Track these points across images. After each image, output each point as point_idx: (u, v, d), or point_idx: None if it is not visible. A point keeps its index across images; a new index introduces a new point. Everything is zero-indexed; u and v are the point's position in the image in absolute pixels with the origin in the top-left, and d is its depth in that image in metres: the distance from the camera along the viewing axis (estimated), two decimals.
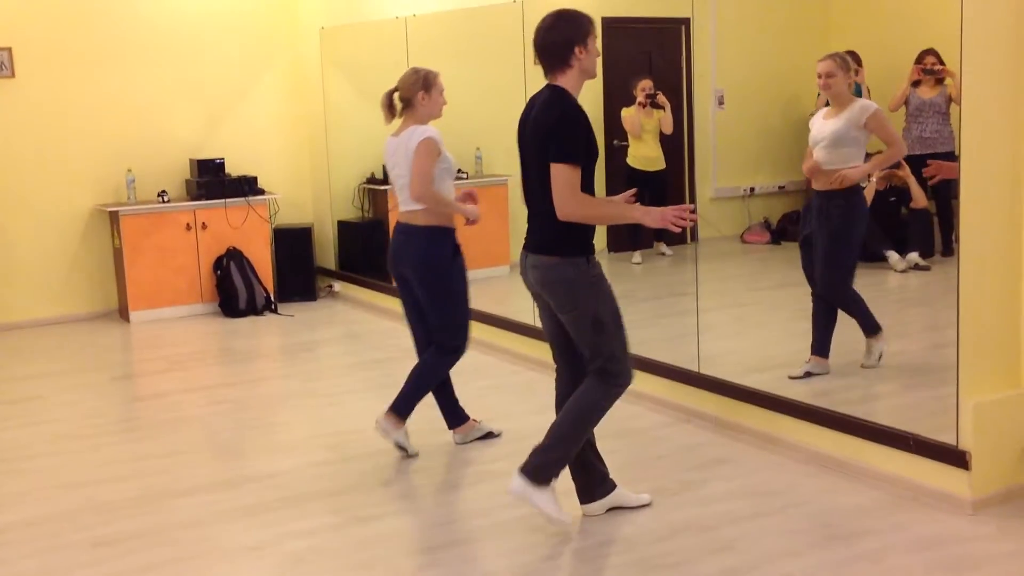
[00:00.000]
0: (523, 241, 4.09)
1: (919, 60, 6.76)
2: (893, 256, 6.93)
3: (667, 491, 4.51)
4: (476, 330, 7.20)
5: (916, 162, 5.71)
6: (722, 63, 8.81)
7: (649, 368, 5.75)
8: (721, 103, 8.67)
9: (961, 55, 4.08)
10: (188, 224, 8.46)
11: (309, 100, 9.20)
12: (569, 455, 4.08)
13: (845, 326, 5.59)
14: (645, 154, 8.53)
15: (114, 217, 8.33)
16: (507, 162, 8.63)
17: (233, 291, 8.42)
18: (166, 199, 8.43)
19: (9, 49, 8.11)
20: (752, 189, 8.63)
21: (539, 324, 6.61)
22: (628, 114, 8.55)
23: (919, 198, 6.77)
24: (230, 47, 8.83)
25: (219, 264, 8.54)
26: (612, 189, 8.84)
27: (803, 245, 5.71)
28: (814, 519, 4.19)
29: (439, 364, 5.07)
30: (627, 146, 8.71)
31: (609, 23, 8.74)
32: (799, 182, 8.84)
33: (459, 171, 8.73)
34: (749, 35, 8.86)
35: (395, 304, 8.25)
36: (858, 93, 6.83)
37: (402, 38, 8.11)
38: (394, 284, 5.19)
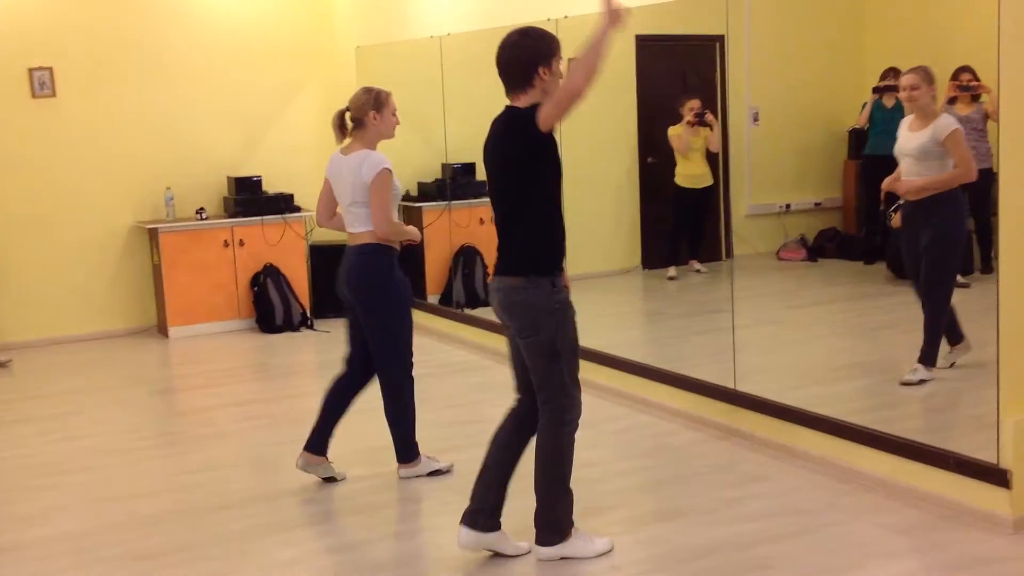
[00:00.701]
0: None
1: (955, 77, 6.71)
2: None
3: (703, 509, 4.49)
4: (500, 343, 7.24)
5: None
6: (757, 80, 8.79)
7: (685, 385, 5.74)
8: (756, 120, 8.64)
9: (998, 71, 4.06)
10: (225, 241, 8.54)
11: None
12: (565, 500, 4.00)
13: (887, 345, 5.54)
14: (692, 172, 8.55)
15: (153, 234, 8.43)
16: None
17: (270, 307, 8.48)
18: (204, 216, 8.52)
19: (50, 68, 8.24)
20: (788, 206, 8.60)
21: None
22: (676, 133, 8.57)
23: None
24: (267, 66, 8.93)
25: (256, 280, 8.62)
26: (654, 206, 8.86)
27: (909, 258, 5.69)
28: (852, 538, 4.16)
29: (396, 390, 4.92)
30: (656, 163, 8.72)
31: (643, 41, 8.75)
32: (835, 199, 8.81)
33: None
34: (784, 52, 8.84)
35: (428, 320, 8.31)
36: (901, 109, 6.81)
37: (436, 57, 8.17)
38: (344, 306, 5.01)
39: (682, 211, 8.60)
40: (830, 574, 3.85)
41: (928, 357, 5.44)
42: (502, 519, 4.05)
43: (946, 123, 5.38)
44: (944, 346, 5.49)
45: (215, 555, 4.25)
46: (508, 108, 3.89)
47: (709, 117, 8.23)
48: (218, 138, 8.86)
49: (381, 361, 4.89)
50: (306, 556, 4.21)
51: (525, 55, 3.80)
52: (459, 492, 4.85)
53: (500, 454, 4.05)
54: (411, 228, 5.03)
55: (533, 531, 4.05)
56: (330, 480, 4.96)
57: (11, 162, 8.21)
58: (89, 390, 7.01)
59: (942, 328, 5.48)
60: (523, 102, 3.82)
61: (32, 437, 5.97)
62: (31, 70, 8.19)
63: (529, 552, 4.08)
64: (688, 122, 8.41)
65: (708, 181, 8.49)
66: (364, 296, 4.82)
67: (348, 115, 4.84)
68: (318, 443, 4.94)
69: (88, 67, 8.38)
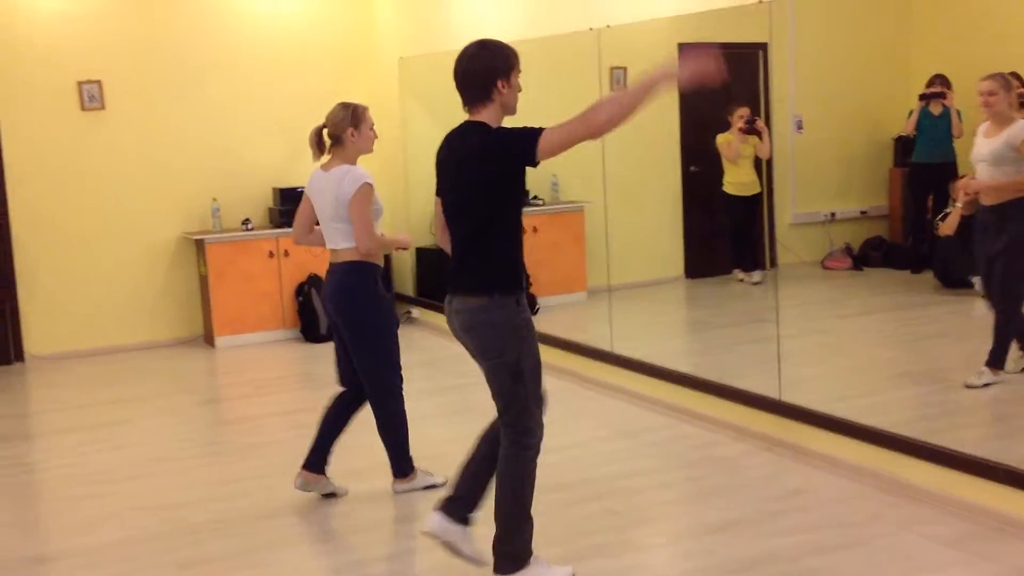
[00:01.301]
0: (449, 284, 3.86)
1: None
2: (979, 283, 6.79)
3: (749, 520, 4.46)
4: (552, 356, 7.24)
5: None
6: (801, 88, 8.74)
7: (730, 395, 5.70)
8: (800, 128, 8.60)
9: None
10: (271, 251, 8.61)
11: (388, 129, 9.30)
12: (527, 529, 3.85)
13: (935, 355, 5.48)
14: (741, 180, 8.54)
15: (200, 245, 8.53)
16: (583, 189, 8.66)
17: (314, 317, 8.54)
18: (250, 227, 8.60)
19: (99, 82, 8.37)
20: (833, 214, 8.54)
21: (615, 350, 6.66)
22: (726, 140, 8.57)
23: None
24: (312, 77, 8.99)
25: (300, 290, 8.68)
26: (697, 215, 8.83)
27: (982, 262, 5.66)
28: (900, 550, 4.11)
29: (386, 409, 4.85)
30: (699, 172, 8.70)
31: (685, 49, 8.73)
32: (881, 207, 8.73)
33: (535, 198, 8.86)
34: (828, 59, 8.78)
35: None
36: (948, 117, 6.74)
37: None
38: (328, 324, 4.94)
39: (731, 219, 8.57)
40: None
41: (996, 360, 5.41)
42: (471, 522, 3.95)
43: (1021, 127, 5.35)
44: (1014, 351, 5.45)
45: (261, 563, 4.28)
46: (469, 122, 3.76)
47: (759, 124, 8.21)
48: (263, 150, 8.93)
49: (368, 379, 4.81)
50: (352, 565, 4.23)
51: (483, 68, 3.71)
52: None
53: (488, 447, 3.95)
54: (398, 237, 4.99)
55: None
56: (330, 496, 4.91)
57: (61, 174, 8.33)
58: (137, 399, 7.10)
59: (1012, 332, 5.44)
60: (484, 116, 3.72)
61: (81, 446, 6.05)
62: (80, 83, 8.32)
63: (482, 564, 3.95)
64: (739, 129, 8.40)
65: (756, 189, 8.47)
66: (348, 315, 4.74)
67: (326, 132, 4.79)
68: (317, 461, 4.90)
69: (136, 80, 8.50)
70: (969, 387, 5.43)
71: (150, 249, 8.66)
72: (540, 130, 3.58)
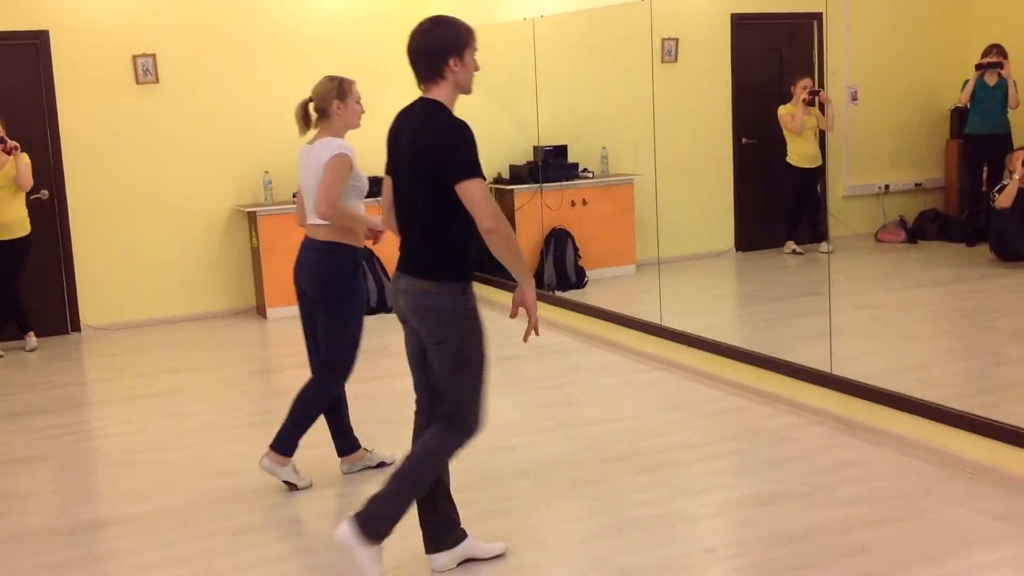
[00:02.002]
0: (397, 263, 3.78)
1: None
2: None
3: (797, 493, 4.45)
4: (602, 329, 7.25)
5: None
6: (856, 58, 8.62)
7: (780, 368, 5.68)
8: (855, 99, 8.49)
9: None
10: None
11: None
12: (405, 508, 3.70)
13: (990, 329, 5.41)
14: (806, 152, 8.44)
15: (252, 217, 8.61)
16: (633, 162, 8.63)
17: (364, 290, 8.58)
18: None
19: (153, 55, 8.45)
20: (887, 187, 8.43)
21: (664, 323, 6.65)
22: (788, 112, 8.48)
23: None
24: (363, 50, 9.01)
25: None
26: (748, 188, 8.76)
27: None
28: (951, 524, 4.08)
29: (323, 391, 4.80)
30: (756, 144, 8.61)
31: (738, 19, 8.64)
32: (937, 179, 8.60)
33: (584, 170, 8.85)
34: (884, 29, 8.64)
35: None
36: (1005, 86, 6.62)
37: (530, 39, 8.18)
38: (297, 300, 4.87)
39: (795, 191, 8.44)
40: (929, 560, 3.78)
41: None
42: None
43: None
44: None
45: (311, 531, 4.35)
46: (423, 99, 3.70)
47: (823, 96, 8.11)
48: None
49: (326, 353, 4.73)
50: (402, 533, 4.27)
51: (436, 45, 3.63)
52: (568, 472, 4.88)
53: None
54: (367, 219, 4.75)
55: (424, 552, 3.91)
56: (380, 466, 4.94)
57: (116, 148, 8.45)
58: (191, 369, 7.20)
59: None
60: (436, 94, 3.66)
61: (137, 414, 6.16)
62: (135, 57, 8.41)
63: (504, 554, 3.98)
64: (803, 100, 8.31)
65: (819, 162, 8.37)
66: (322, 295, 4.67)
67: (312, 105, 4.75)
68: (343, 445, 4.94)
69: (189, 54, 8.58)
70: None
71: (203, 221, 8.76)
72: (475, 176, 3.51)
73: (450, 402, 3.71)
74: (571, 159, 8.75)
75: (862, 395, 5.17)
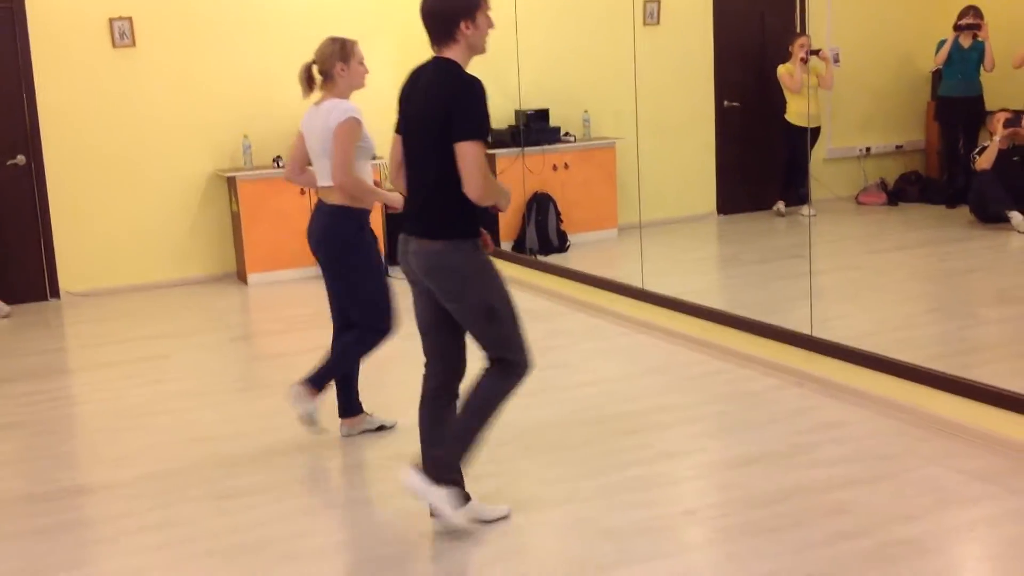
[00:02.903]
0: (404, 224, 3.85)
1: None
2: (1016, 217, 6.72)
3: (778, 454, 4.48)
4: (583, 292, 7.25)
5: None
6: (837, 20, 8.60)
7: (761, 331, 5.70)
8: (836, 61, 8.48)
9: None
10: (302, 189, 8.62)
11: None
12: (471, 447, 3.80)
13: (969, 290, 5.44)
14: (804, 110, 8.43)
15: (231, 182, 8.56)
16: (615, 125, 8.60)
17: None
18: (281, 165, 8.61)
19: (130, 19, 8.36)
20: (868, 149, 8.45)
21: (647, 287, 6.66)
22: (787, 71, 8.48)
23: None
24: (344, 11, 8.93)
25: None
26: (731, 151, 8.75)
27: None
28: (929, 483, 4.12)
29: (360, 344, 4.78)
30: (738, 107, 8.61)
31: None
32: (918, 141, 8.62)
33: (566, 134, 8.82)
34: None
35: (501, 266, 8.31)
36: (980, 49, 6.62)
37: (511, 2, 8.12)
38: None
39: (790, 150, 8.42)
40: (907, 519, 3.82)
41: None
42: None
43: None
44: None
45: (296, 494, 4.36)
46: (437, 59, 3.70)
47: (824, 54, 8.11)
48: (295, 87, 8.82)
49: (358, 315, 4.76)
50: (387, 494, 4.29)
51: (447, 8, 3.63)
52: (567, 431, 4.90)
53: (428, 414, 3.93)
54: (389, 195, 4.80)
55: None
56: (380, 429, 4.97)
57: (93, 112, 8.37)
58: (172, 335, 7.18)
59: None
60: (450, 54, 3.66)
61: (119, 380, 6.15)
62: (112, 20, 8.31)
63: (508, 515, 3.99)
64: (801, 59, 8.31)
65: (819, 122, 8.36)
66: (329, 256, 4.72)
67: (315, 67, 4.75)
68: (346, 406, 4.95)
69: (166, 17, 8.48)
70: None
71: (182, 187, 8.70)
72: (473, 139, 3.55)
73: (493, 352, 3.77)
74: (553, 123, 8.72)
75: (842, 357, 5.20)
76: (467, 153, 3.54)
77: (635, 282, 6.76)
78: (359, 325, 4.76)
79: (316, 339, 6.91)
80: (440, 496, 3.74)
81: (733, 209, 8.82)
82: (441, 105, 3.59)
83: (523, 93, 8.49)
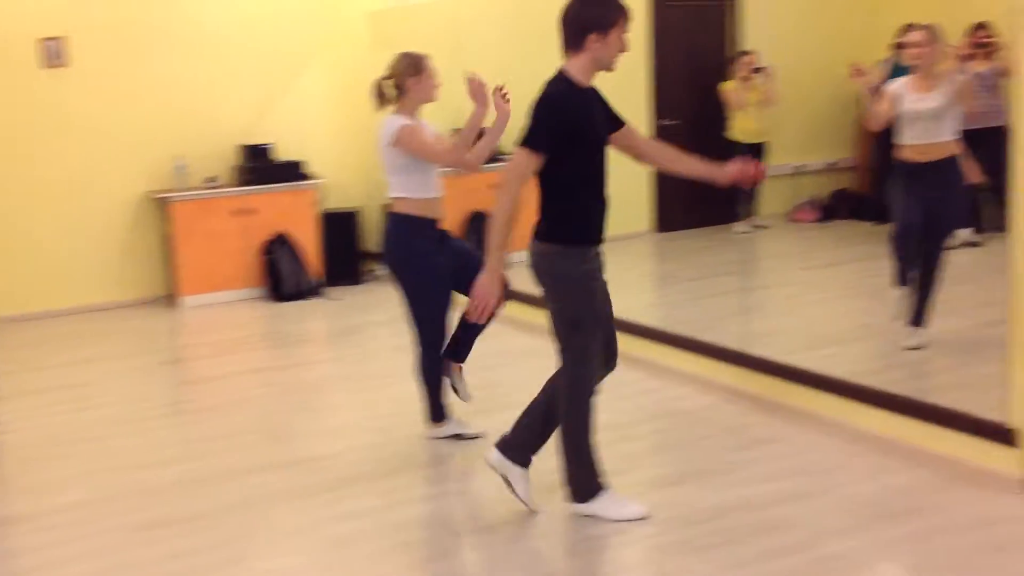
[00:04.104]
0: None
1: (971, 33, 6.64)
2: None
3: (715, 471, 4.48)
4: (519, 311, 7.21)
5: (968, 137, 5.62)
6: (770, 40, 8.71)
7: (696, 348, 5.71)
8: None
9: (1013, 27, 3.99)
10: (237, 209, 8.52)
11: (358, 84, 9.16)
12: (585, 463, 4.03)
13: (893, 306, 5.51)
14: (749, 127, 8.52)
15: (164, 203, 8.43)
16: None
17: (281, 275, 8.48)
18: (216, 185, 8.50)
19: (63, 39, 8.21)
20: (801, 167, 8.55)
21: None
22: (731, 87, 8.55)
23: (971, 173, 6.65)
24: (279, 32, 8.86)
25: (268, 248, 8.60)
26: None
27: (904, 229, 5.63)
28: (862, 499, 4.14)
29: (420, 363, 4.92)
30: (671, 125, 8.66)
31: (659, 1, 8.66)
32: (849, 159, 8.73)
33: (503, 154, 8.78)
34: (796, 12, 8.74)
35: None
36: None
37: (452, 20, 8.09)
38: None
39: None
40: (840, 534, 3.84)
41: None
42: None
43: (956, 80, 5.35)
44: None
45: (223, 523, 4.26)
46: (558, 73, 3.80)
47: (769, 70, 8.25)
48: (230, 106, 8.81)
49: (411, 329, 4.90)
50: (317, 523, 4.22)
51: (582, 18, 3.72)
52: (472, 460, 4.87)
53: (544, 399, 4.13)
54: (488, 139, 4.92)
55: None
56: (458, 437, 5.01)
57: (21, 134, 8.18)
58: (101, 360, 7.03)
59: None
60: (571, 65, 3.78)
61: (44, 407, 6.00)
62: (42, 40, 8.15)
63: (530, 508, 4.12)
64: (742, 77, 8.41)
65: (765, 137, 8.45)
66: (392, 265, 4.88)
67: (391, 82, 4.87)
68: (431, 411, 5.01)
69: (99, 37, 8.33)
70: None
71: (114, 208, 8.54)
72: (525, 147, 3.72)
73: (565, 359, 3.95)
74: None
75: (776, 373, 5.22)
76: (515, 156, 3.72)
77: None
78: (412, 333, 4.89)
79: (248, 362, 6.84)
80: (599, 507, 4.01)
81: (671, 227, 8.86)
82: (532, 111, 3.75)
83: (464, 113, 8.45)
